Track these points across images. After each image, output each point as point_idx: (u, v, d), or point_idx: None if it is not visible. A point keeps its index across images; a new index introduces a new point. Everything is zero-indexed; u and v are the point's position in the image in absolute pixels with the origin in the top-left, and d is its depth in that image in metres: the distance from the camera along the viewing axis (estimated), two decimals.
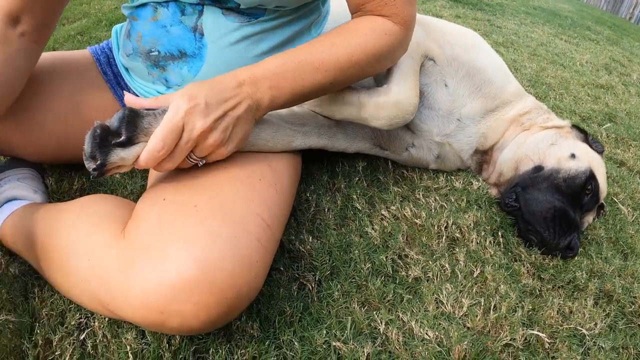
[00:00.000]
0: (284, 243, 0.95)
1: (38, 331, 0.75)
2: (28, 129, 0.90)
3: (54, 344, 0.74)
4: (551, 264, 1.02)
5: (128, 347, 0.73)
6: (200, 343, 0.75)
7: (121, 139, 0.66)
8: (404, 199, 1.11)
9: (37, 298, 0.81)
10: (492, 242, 1.06)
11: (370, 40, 0.78)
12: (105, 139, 0.66)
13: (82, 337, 0.75)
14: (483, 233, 1.08)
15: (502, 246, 1.06)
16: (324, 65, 0.75)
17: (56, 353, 0.74)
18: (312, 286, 0.87)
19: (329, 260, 0.91)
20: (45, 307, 0.79)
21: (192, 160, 0.71)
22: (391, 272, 0.93)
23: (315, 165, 1.17)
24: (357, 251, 0.94)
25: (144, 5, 0.86)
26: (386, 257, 0.95)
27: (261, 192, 0.74)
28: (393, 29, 0.81)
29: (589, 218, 1.12)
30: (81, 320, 0.77)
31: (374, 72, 0.83)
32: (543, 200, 1.03)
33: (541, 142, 1.13)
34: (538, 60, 2.40)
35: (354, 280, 0.90)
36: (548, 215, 1.02)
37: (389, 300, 0.87)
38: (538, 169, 1.10)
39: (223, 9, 0.82)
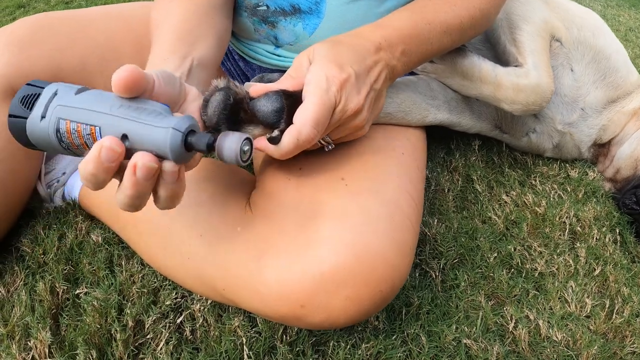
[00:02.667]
0: None
1: (128, 311, 0.65)
2: None
3: (146, 326, 0.64)
4: None
5: (235, 335, 0.62)
6: (319, 335, 0.63)
7: (274, 135, 0.50)
8: (521, 185, 0.99)
9: (124, 271, 0.70)
10: (610, 239, 0.94)
11: (484, 2, 0.71)
12: (237, 112, 0.51)
13: (178, 320, 0.64)
14: (603, 229, 0.96)
15: (619, 244, 0.94)
16: (450, 27, 0.66)
17: (148, 337, 0.64)
18: (436, 274, 0.75)
19: (455, 247, 0.79)
20: (135, 282, 0.69)
21: (323, 142, 0.57)
22: (518, 264, 0.81)
23: (430, 141, 1.06)
24: (482, 238, 0.82)
25: None
26: (514, 247, 0.83)
27: (406, 167, 0.63)
28: None
29: None
30: (177, 300, 0.66)
31: (474, 37, 0.77)
32: None
33: None
34: (632, 47, 2.21)
35: (480, 270, 0.78)
36: None
37: (515, 295, 0.77)
38: None
39: None
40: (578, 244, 0.90)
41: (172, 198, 0.43)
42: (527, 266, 0.82)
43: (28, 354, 0.65)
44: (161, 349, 0.62)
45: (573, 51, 0.99)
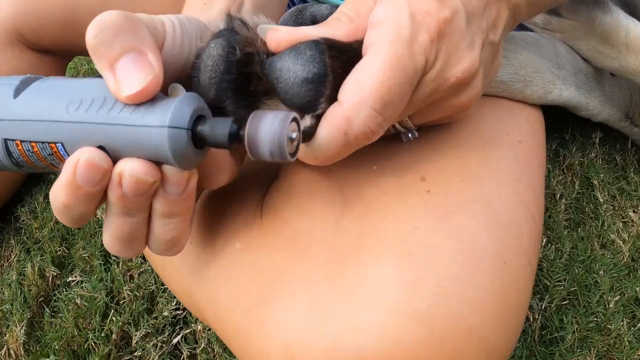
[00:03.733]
0: None
1: (114, 318, 0.50)
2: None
3: (134, 341, 0.48)
4: None
5: None
6: None
7: (304, 125, 0.27)
8: None
9: (120, 263, 0.55)
10: None
11: None
12: (248, 82, 0.28)
13: (175, 340, 0.48)
14: None
15: None
16: None
17: (135, 354, 0.48)
18: (535, 317, 0.54)
19: (566, 281, 0.57)
20: (130, 280, 0.54)
21: (400, 128, 0.34)
22: None
23: None
24: (601, 271, 0.59)
25: None
26: None
27: (526, 164, 0.39)
28: None
29: None
30: (177, 312, 0.51)
31: None
32: None
33: None
34: None
35: (595, 318, 0.56)
36: None
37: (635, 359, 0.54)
38: None
39: None
40: None
41: (172, 222, 0.28)
42: None
43: (1, 348, 0.53)
44: None
45: None
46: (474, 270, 0.29)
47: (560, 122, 0.76)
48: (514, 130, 0.40)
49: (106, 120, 0.24)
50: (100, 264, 0.56)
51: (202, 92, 0.28)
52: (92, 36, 0.24)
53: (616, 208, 0.69)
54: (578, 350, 0.52)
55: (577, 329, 0.54)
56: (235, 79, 0.27)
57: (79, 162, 0.24)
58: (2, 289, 0.59)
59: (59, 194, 0.25)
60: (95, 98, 0.25)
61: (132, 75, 0.24)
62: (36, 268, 0.59)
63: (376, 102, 0.26)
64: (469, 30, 0.29)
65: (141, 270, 0.54)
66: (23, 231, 0.65)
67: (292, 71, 0.27)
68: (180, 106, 0.24)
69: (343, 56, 0.28)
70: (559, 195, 0.66)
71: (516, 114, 0.44)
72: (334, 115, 0.26)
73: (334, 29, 0.29)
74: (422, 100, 0.30)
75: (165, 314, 0.50)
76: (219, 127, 0.24)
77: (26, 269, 0.59)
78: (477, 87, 0.31)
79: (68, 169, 0.24)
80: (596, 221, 0.66)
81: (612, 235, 0.64)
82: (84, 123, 0.25)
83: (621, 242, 0.64)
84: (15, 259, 0.63)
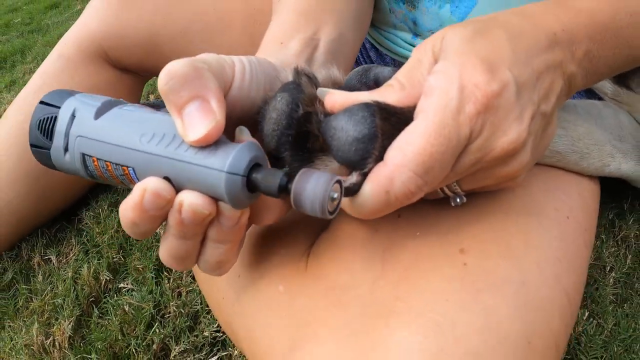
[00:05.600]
0: None
1: (157, 329, 0.52)
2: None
3: (172, 354, 0.51)
4: None
5: None
6: None
7: (349, 182, 0.29)
8: None
9: (171, 280, 0.58)
10: None
11: None
12: (306, 138, 0.31)
13: None
14: None
15: None
16: None
17: None
18: None
19: (603, 358, 0.56)
20: (178, 297, 0.56)
21: (448, 192, 0.35)
22: None
23: None
24: None
25: None
26: None
27: (570, 242, 0.40)
28: None
29: None
30: (218, 334, 0.53)
31: None
32: None
33: None
34: None
35: None
36: None
37: None
38: None
39: None
40: None
41: (222, 247, 0.31)
42: None
43: (47, 339, 0.57)
44: None
45: None
46: (497, 349, 0.30)
47: (619, 191, 0.75)
48: (564, 204, 0.41)
49: (173, 155, 0.28)
50: (152, 276, 0.59)
51: (265, 140, 0.31)
52: (163, 83, 0.28)
53: None
54: None
55: None
56: (294, 134, 0.31)
57: (146, 190, 0.27)
58: (57, 283, 0.63)
59: (128, 212, 0.28)
60: (166, 133, 0.29)
61: (197, 122, 0.27)
62: (92, 270, 0.62)
63: (417, 166, 0.28)
64: (519, 103, 0.30)
65: (189, 289, 0.57)
66: (84, 233, 0.69)
67: (344, 130, 0.29)
68: (238, 154, 0.27)
69: (393, 119, 0.30)
70: (609, 267, 0.65)
71: (569, 187, 0.44)
72: (378, 174, 0.28)
73: (385, 95, 0.31)
74: (467, 168, 0.31)
75: (206, 334, 0.52)
76: (271, 178, 0.27)
77: (82, 269, 0.63)
78: (525, 158, 0.32)
79: (136, 193, 0.28)
80: None
81: None
82: (154, 155, 0.28)
83: None
84: (74, 257, 0.67)
